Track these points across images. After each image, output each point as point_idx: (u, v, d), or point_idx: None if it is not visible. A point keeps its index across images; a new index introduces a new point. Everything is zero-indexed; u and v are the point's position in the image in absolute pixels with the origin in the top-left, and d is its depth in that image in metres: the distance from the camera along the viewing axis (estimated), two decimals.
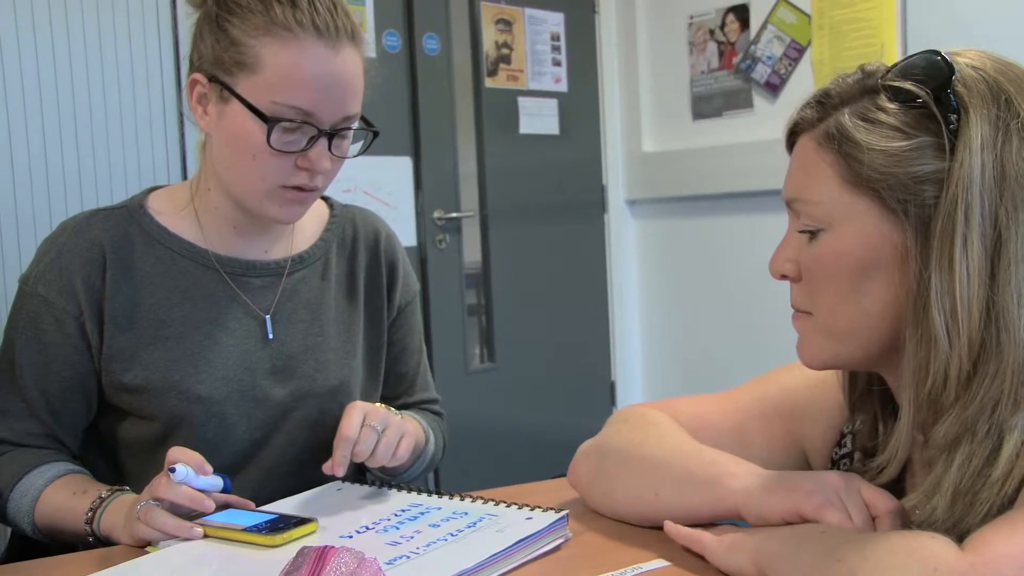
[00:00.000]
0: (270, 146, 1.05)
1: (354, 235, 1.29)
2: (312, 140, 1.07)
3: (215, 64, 1.07)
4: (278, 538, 0.95)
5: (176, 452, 1.01)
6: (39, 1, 2.00)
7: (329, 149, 1.09)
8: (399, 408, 1.35)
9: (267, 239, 1.21)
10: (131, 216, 1.17)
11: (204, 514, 1.00)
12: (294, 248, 1.23)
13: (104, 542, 1.05)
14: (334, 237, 1.27)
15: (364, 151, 1.16)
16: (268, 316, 1.18)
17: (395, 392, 1.36)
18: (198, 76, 1.09)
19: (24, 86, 2.00)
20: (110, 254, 1.14)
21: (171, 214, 1.19)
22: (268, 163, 1.07)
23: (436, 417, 1.40)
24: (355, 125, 1.12)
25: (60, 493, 1.10)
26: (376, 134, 1.15)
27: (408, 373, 1.37)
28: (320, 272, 1.24)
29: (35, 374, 1.13)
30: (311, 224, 1.26)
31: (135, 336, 1.13)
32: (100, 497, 1.06)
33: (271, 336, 1.18)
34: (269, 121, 1.05)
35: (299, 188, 1.10)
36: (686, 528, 0.89)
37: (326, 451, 1.10)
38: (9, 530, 1.28)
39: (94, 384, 1.15)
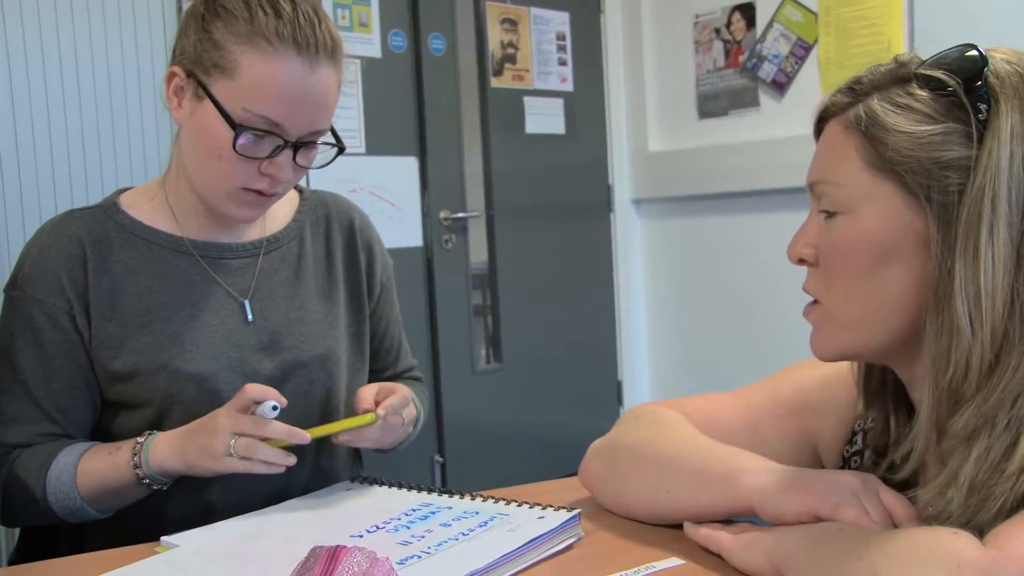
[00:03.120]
0: (235, 151, 1.08)
1: (327, 216, 1.33)
2: (277, 149, 1.10)
3: (195, 62, 1.10)
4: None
5: (254, 390, 1.06)
6: (46, 7, 2.00)
7: (294, 159, 1.12)
8: (387, 380, 1.38)
9: (240, 224, 1.24)
10: (105, 214, 1.20)
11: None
12: (267, 231, 1.27)
13: (158, 487, 1.11)
14: (307, 218, 1.31)
15: (328, 164, 1.19)
16: (247, 301, 1.21)
17: (384, 364, 1.40)
18: (177, 69, 1.12)
19: (31, 92, 2.00)
20: (89, 248, 1.16)
21: (143, 207, 1.22)
22: (232, 166, 1.10)
23: (419, 384, 1.44)
24: (322, 139, 1.15)
25: (94, 459, 1.11)
26: (341, 150, 1.18)
27: (394, 345, 1.41)
28: (296, 251, 1.27)
29: (39, 376, 1.14)
30: (283, 208, 1.30)
31: (120, 324, 1.15)
32: (138, 442, 1.09)
33: (251, 319, 1.21)
34: (237, 128, 1.07)
35: (260, 192, 1.13)
36: (704, 528, 0.89)
37: (317, 423, 1.15)
38: (18, 531, 1.27)
39: (95, 378, 1.16)
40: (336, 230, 1.32)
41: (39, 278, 1.14)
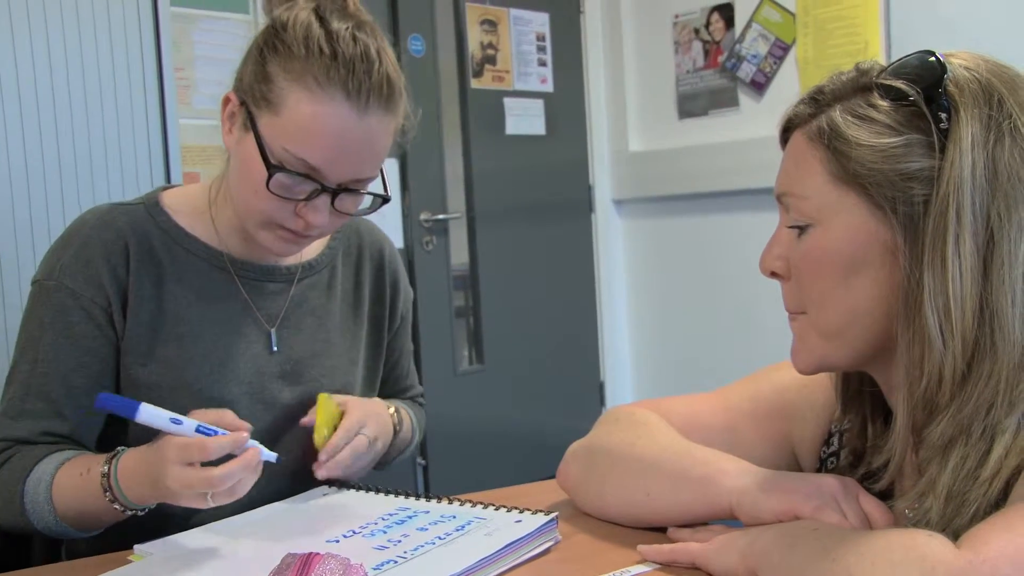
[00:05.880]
0: (269, 190, 1.05)
1: (359, 245, 1.31)
2: (315, 193, 1.06)
3: (248, 92, 1.07)
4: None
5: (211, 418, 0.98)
6: (19, 14, 1.98)
7: (333, 204, 1.08)
8: (391, 399, 1.38)
9: None
10: (148, 213, 1.16)
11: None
12: (303, 257, 1.25)
13: (138, 513, 1.03)
14: (340, 246, 1.29)
15: (370, 212, 1.16)
16: (273, 330, 1.19)
17: (392, 391, 1.39)
18: (232, 95, 1.10)
19: (4, 97, 1.98)
20: (133, 246, 1.13)
21: (186, 213, 1.19)
22: (268, 203, 1.07)
23: (421, 408, 1.44)
24: (366, 188, 1.11)
25: (69, 477, 1.05)
26: (386, 200, 1.14)
27: (403, 374, 1.40)
28: (327, 280, 1.26)
29: (63, 370, 1.10)
30: None
31: (152, 330, 1.12)
32: (104, 475, 1.01)
33: (275, 349, 1.19)
34: (271, 168, 1.04)
35: (295, 231, 1.10)
36: (667, 546, 0.88)
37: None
38: None
39: (116, 383, 1.13)
40: (367, 261, 1.30)
41: (80, 271, 1.11)
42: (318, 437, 1.12)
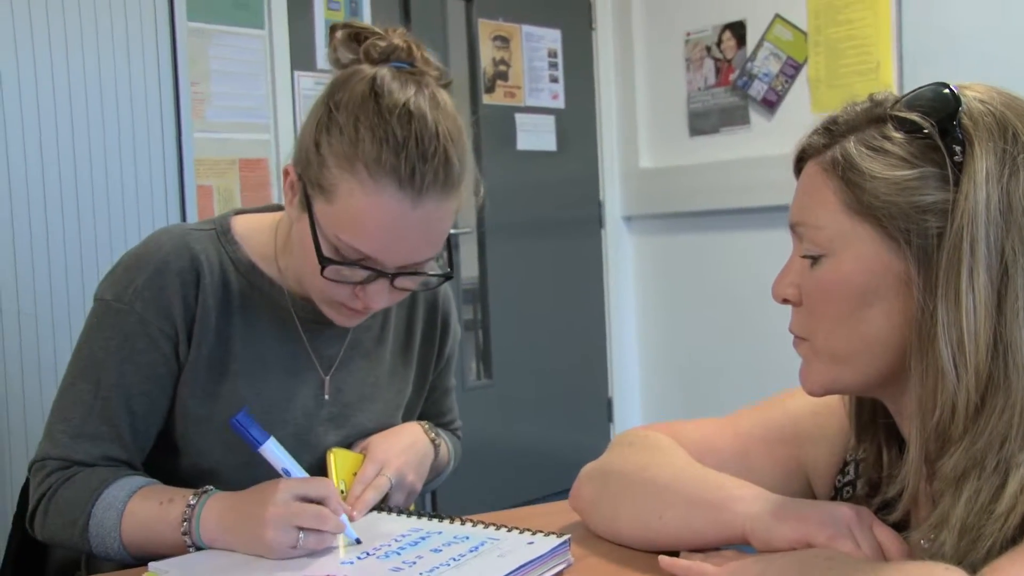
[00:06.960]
0: (324, 277, 1.03)
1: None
2: (371, 278, 1.04)
3: (305, 169, 1.04)
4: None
5: (322, 489, 1.00)
6: (39, 27, 2.00)
7: (392, 284, 1.06)
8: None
9: None
10: (219, 241, 1.15)
11: None
12: None
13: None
14: None
15: (434, 288, 1.16)
16: (328, 377, 1.19)
17: (434, 424, 1.38)
18: (291, 168, 1.07)
19: (23, 108, 2.00)
20: (205, 277, 1.11)
21: (255, 249, 1.17)
22: (326, 284, 1.05)
23: (459, 441, 1.42)
24: (426, 267, 1.08)
25: (146, 504, 1.04)
26: (449, 277, 1.12)
27: (444, 411, 1.40)
28: (380, 322, 1.25)
29: (125, 395, 1.09)
30: None
31: (210, 364, 1.12)
32: (189, 504, 1.02)
33: (327, 398, 1.19)
34: (323, 260, 1.02)
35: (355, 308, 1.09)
36: (683, 560, 0.88)
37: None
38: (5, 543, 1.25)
39: (170, 409, 1.13)
40: (420, 302, 1.29)
41: (152, 298, 1.09)
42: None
